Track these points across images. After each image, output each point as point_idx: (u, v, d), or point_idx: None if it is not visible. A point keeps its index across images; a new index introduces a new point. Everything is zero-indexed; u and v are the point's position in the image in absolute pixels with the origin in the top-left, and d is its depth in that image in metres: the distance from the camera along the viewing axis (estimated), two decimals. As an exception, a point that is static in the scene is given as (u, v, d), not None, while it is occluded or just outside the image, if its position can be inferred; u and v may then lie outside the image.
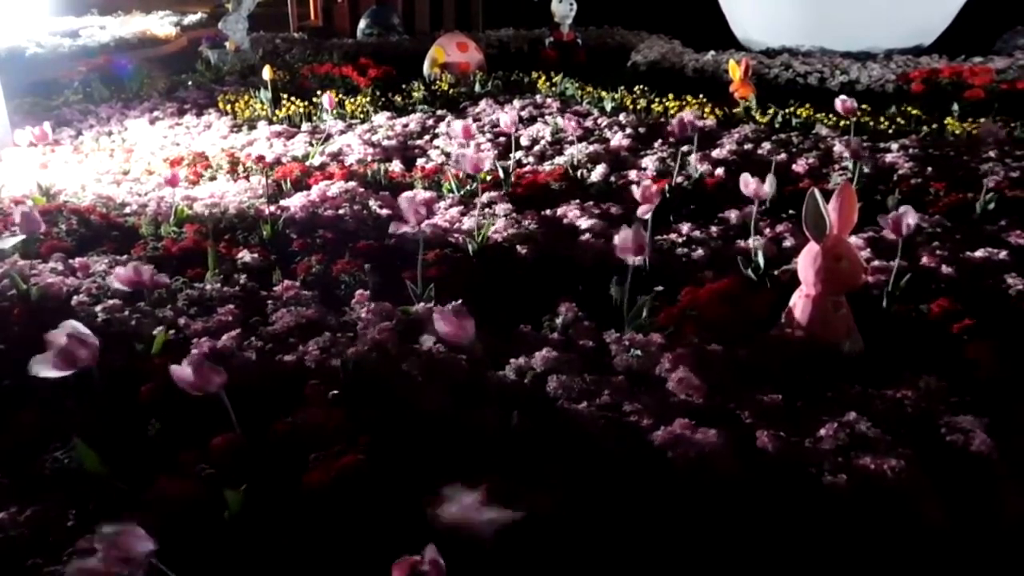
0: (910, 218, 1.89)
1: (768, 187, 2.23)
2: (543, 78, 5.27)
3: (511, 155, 3.37)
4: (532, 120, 4.21)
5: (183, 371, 1.26)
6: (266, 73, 4.66)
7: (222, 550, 1.13)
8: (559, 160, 3.40)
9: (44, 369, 1.26)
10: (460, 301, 1.53)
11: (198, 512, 1.18)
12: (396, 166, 3.33)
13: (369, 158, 3.49)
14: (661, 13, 7.77)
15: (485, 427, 1.38)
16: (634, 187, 2.14)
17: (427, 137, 3.90)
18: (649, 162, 3.24)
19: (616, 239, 1.79)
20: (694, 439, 1.30)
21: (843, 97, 3.27)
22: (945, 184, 2.84)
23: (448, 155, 3.51)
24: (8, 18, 7.10)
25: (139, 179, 3.26)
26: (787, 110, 4.12)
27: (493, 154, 3.30)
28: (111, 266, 2.20)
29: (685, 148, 3.32)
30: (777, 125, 4.02)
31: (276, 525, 1.17)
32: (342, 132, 4.01)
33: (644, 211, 2.08)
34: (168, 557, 1.07)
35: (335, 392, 1.48)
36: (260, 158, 3.48)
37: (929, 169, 3.06)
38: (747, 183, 2.22)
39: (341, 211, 2.67)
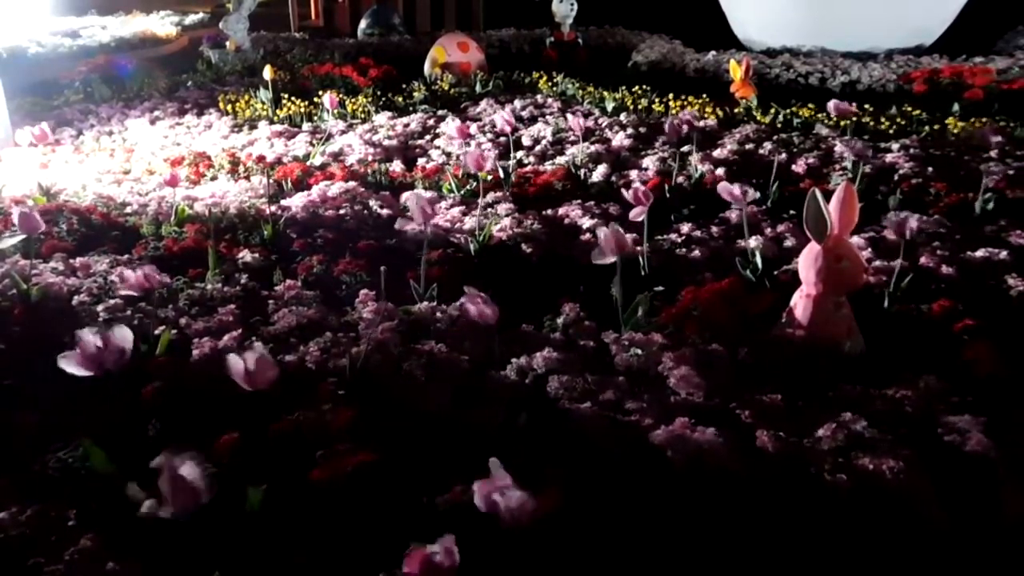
0: (912, 222, 1.91)
1: (752, 192, 2.14)
2: (544, 78, 5.27)
3: (512, 155, 3.37)
4: (533, 120, 4.21)
5: (238, 363, 1.27)
6: (267, 73, 4.66)
7: (226, 548, 1.14)
8: (560, 160, 3.41)
9: (70, 365, 1.28)
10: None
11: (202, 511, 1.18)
12: (397, 166, 3.33)
13: (370, 158, 3.49)
14: (662, 13, 7.76)
15: (487, 427, 1.38)
16: (626, 190, 2.13)
17: (428, 137, 3.90)
18: (650, 162, 3.24)
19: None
20: (693, 438, 1.31)
21: (835, 101, 3.32)
22: (946, 184, 2.84)
23: (449, 155, 3.52)
24: (9, 18, 7.10)
25: (140, 179, 3.26)
26: (788, 110, 4.12)
27: (494, 154, 3.30)
28: (112, 266, 2.20)
29: (686, 148, 3.33)
30: (778, 125, 4.02)
31: (281, 521, 1.18)
32: (343, 132, 4.01)
33: (637, 213, 2.07)
34: (170, 557, 1.08)
35: (342, 392, 1.48)
36: (261, 158, 3.48)
37: (930, 169, 3.06)
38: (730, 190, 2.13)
39: (342, 211, 2.67)
